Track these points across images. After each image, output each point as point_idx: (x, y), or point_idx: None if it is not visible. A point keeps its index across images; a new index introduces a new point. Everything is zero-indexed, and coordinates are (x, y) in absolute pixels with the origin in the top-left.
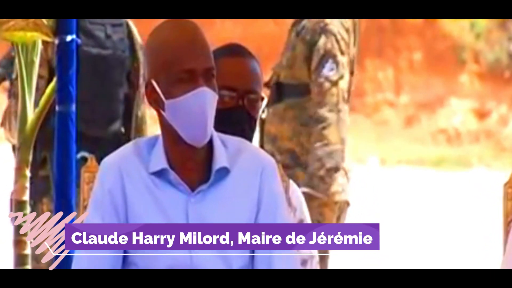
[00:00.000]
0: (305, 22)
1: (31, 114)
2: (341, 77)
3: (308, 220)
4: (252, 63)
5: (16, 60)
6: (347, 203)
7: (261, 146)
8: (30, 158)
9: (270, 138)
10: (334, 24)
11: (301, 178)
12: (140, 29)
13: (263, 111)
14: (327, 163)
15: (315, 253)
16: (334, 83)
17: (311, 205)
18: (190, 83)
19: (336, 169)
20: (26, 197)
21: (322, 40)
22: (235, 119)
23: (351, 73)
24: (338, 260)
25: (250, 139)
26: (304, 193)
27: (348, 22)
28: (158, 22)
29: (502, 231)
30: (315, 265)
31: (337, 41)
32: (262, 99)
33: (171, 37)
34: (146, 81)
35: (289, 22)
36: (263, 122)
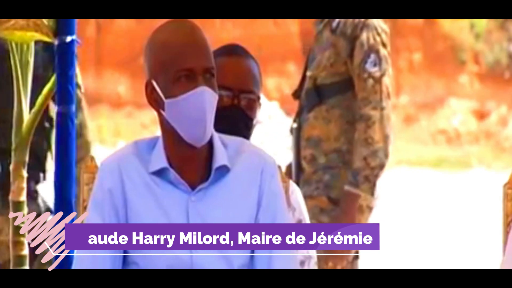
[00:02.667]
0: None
1: (27, 115)
2: (384, 73)
3: (307, 220)
4: (249, 62)
5: (11, 61)
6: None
7: (298, 152)
8: (27, 158)
9: (313, 142)
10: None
11: (345, 177)
12: (140, 30)
13: (295, 120)
14: (372, 162)
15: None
16: (378, 80)
17: (355, 205)
18: (189, 83)
19: (380, 167)
20: (23, 197)
21: (364, 35)
22: (231, 118)
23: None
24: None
25: (246, 138)
26: (348, 192)
27: None
28: (158, 22)
29: (502, 232)
30: (312, 266)
31: (379, 34)
32: (259, 98)
33: (171, 37)
34: (146, 81)
35: (291, 23)
36: (299, 129)
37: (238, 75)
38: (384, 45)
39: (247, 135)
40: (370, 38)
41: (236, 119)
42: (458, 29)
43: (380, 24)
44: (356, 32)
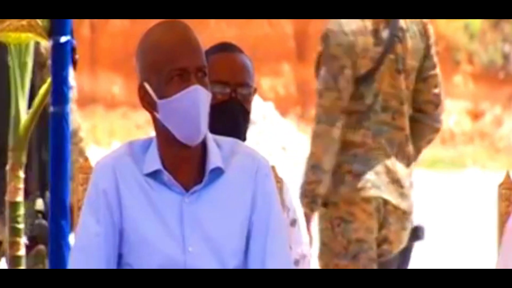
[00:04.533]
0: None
1: (25, 115)
2: (322, 88)
3: (301, 220)
4: (242, 57)
5: (10, 62)
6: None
7: None
8: (24, 159)
9: None
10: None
11: None
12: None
13: None
14: (305, 177)
15: (307, 252)
16: (318, 95)
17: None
18: (182, 82)
19: (308, 183)
20: (20, 198)
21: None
22: (229, 112)
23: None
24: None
25: (244, 131)
26: None
27: None
28: (153, 22)
29: (497, 232)
30: (307, 265)
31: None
32: (255, 91)
33: (162, 38)
34: (139, 84)
35: (286, 23)
36: None
37: (234, 70)
38: (333, 58)
39: (245, 128)
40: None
41: (235, 112)
42: (453, 29)
43: (336, 38)
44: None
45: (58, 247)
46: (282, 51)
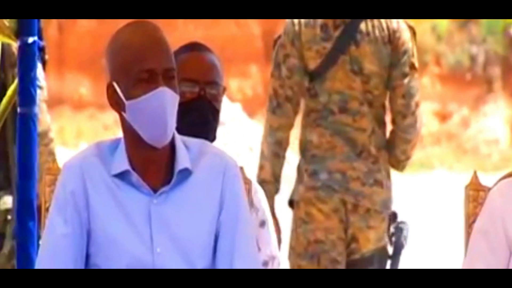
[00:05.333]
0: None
1: None
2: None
3: (269, 220)
4: (211, 56)
5: None
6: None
7: None
8: None
9: None
10: None
11: None
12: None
13: None
14: None
15: (276, 254)
16: None
17: None
18: (150, 84)
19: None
20: None
21: None
22: (198, 110)
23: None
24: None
25: (214, 130)
26: None
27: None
28: (121, 23)
29: (464, 233)
30: (276, 266)
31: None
32: (224, 90)
33: (131, 38)
34: (107, 84)
35: (253, 24)
36: None
37: (202, 68)
38: (280, 46)
39: (215, 127)
40: None
41: (204, 110)
42: (420, 30)
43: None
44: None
45: (25, 248)
46: (249, 52)
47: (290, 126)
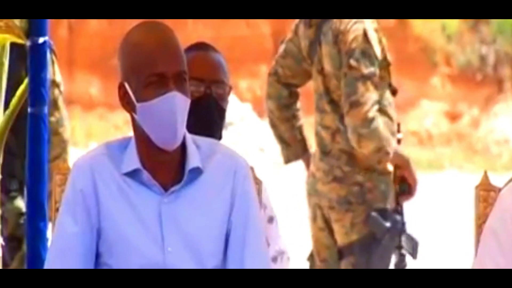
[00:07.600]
0: None
1: (1, 116)
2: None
3: (276, 217)
4: (217, 56)
5: None
6: None
7: None
8: (1, 160)
9: None
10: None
11: None
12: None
13: None
14: None
15: (285, 249)
16: None
17: None
18: (160, 87)
19: None
20: None
21: None
22: (204, 109)
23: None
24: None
25: (220, 129)
26: None
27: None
28: (130, 23)
29: (474, 233)
30: (285, 261)
31: None
32: (230, 90)
33: (143, 40)
34: (119, 83)
35: (263, 24)
36: None
37: (208, 67)
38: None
39: (221, 126)
40: None
41: (210, 109)
42: (430, 30)
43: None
44: None
45: (35, 249)
46: (259, 52)
47: (278, 97)
